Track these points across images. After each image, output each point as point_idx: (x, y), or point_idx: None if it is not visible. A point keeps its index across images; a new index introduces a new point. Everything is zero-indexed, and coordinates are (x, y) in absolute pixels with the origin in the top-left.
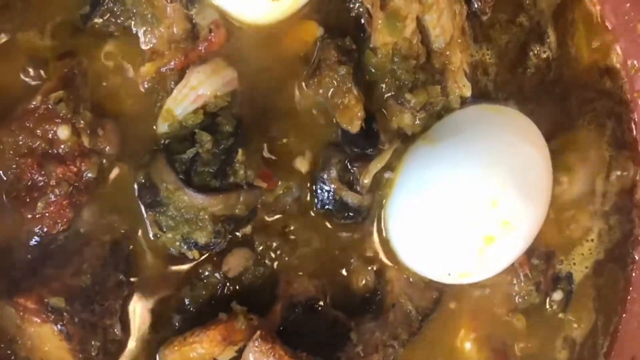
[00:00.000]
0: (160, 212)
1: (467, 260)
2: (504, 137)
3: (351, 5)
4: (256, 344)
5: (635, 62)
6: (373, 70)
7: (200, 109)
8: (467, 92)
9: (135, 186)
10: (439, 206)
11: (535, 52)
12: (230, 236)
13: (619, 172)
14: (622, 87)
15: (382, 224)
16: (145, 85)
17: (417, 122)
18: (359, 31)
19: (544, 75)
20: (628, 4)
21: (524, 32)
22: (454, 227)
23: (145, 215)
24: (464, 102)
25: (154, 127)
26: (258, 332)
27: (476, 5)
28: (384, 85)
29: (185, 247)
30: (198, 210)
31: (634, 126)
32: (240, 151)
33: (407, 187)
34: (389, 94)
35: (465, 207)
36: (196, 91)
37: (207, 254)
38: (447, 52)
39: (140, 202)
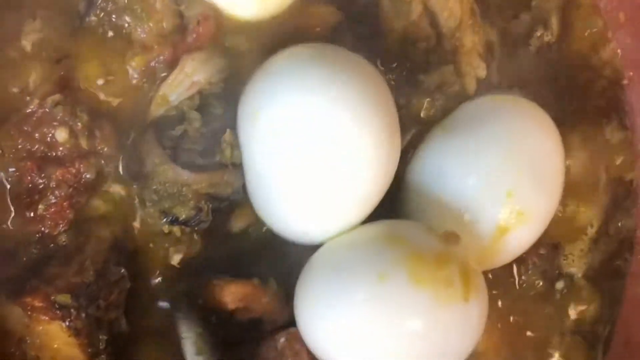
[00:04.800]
0: (145, 186)
1: (480, 249)
2: (520, 128)
3: None
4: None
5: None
6: (385, 55)
7: (197, 94)
8: (482, 73)
9: (121, 158)
10: (455, 195)
11: (538, 35)
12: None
13: (620, 159)
14: (619, 72)
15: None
16: (135, 79)
17: (434, 107)
18: (372, 17)
19: (545, 58)
20: None
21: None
22: (467, 216)
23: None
24: (478, 86)
25: (145, 120)
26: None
27: None
28: (397, 70)
29: (164, 221)
30: (181, 186)
31: (629, 110)
32: (228, 131)
33: (422, 176)
34: (404, 79)
35: (480, 196)
36: (191, 78)
37: None
38: (457, 34)
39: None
